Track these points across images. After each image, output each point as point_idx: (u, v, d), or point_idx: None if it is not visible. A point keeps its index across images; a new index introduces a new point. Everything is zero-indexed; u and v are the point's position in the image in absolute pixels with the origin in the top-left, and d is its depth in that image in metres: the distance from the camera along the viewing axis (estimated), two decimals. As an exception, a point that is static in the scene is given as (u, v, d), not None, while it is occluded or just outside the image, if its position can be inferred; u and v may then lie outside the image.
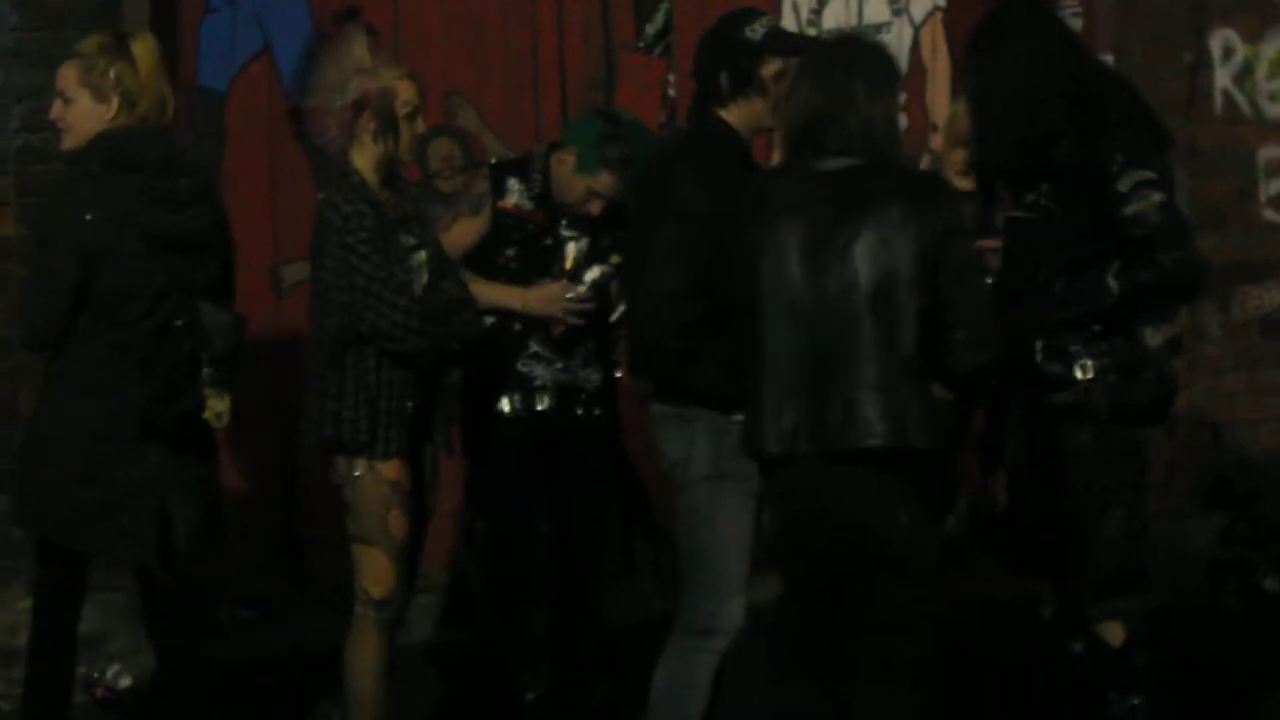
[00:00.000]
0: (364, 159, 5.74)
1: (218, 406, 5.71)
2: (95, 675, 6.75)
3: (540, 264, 6.35)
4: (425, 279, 5.75)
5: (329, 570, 7.37)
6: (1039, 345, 5.37)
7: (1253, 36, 8.32)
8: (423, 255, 5.77)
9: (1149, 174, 5.28)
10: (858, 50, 5.15)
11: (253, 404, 7.68)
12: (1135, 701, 5.41)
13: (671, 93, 8.23)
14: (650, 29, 8.30)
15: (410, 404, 5.75)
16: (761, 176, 5.15)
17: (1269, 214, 8.39)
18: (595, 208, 6.28)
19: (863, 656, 4.99)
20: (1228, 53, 8.23)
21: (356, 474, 5.71)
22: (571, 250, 6.33)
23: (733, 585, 5.49)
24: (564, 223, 6.36)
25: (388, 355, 5.66)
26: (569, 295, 6.24)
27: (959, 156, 6.32)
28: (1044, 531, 5.51)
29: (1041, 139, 5.35)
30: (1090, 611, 5.44)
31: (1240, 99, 8.31)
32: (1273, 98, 8.39)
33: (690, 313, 5.28)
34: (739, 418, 5.35)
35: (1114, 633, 5.41)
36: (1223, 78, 8.32)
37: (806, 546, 5.03)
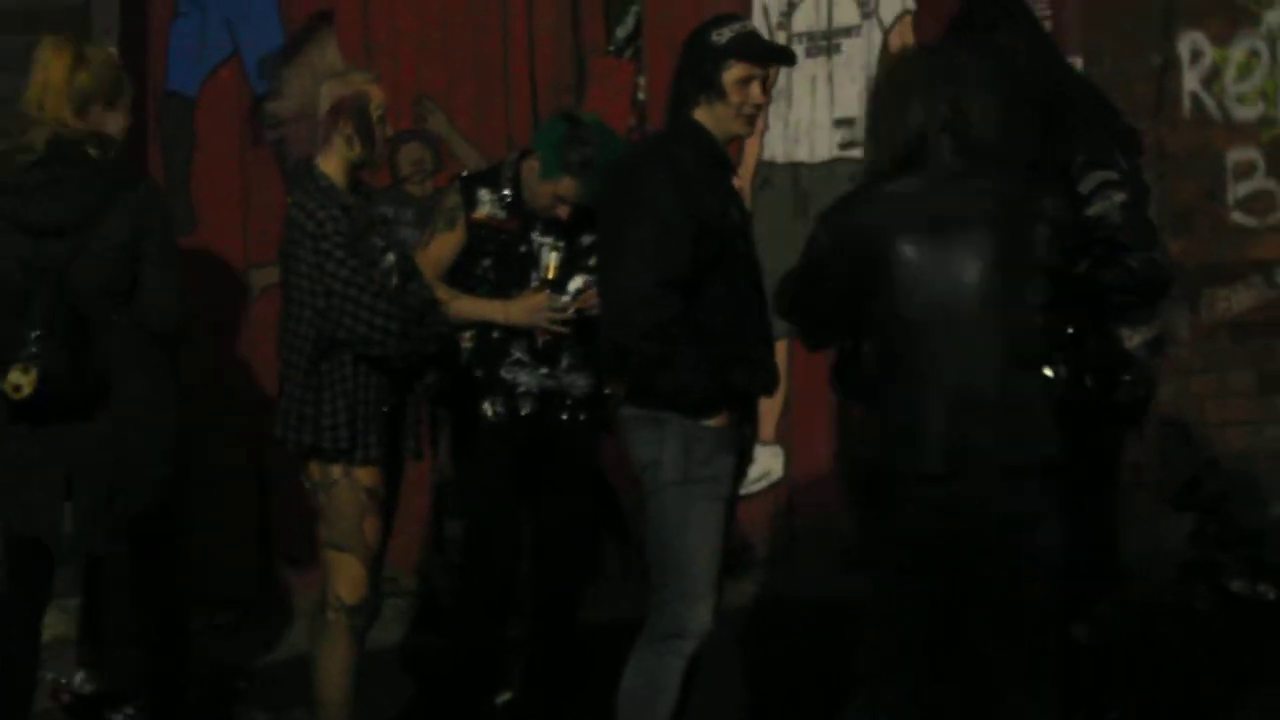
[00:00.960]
0: (333, 163, 5.74)
1: (17, 379, 5.49)
2: (62, 680, 6.72)
3: (517, 272, 6.34)
4: (396, 280, 5.75)
5: (300, 575, 7.40)
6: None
7: (1221, 40, 8.33)
8: (391, 258, 5.78)
9: (1111, 174, 5.29)
10: (959, 57, 4.96)
11: (223, 406, 7.71)
12: (1103, 701, 5.43)
13: (641, 96, 8.22)
14: (620, 32, 8.30)
15: (388, 408, 5.75)
16: (878, 193, 4.82)
17: (1238, 216, 8.40)
18: (563, 212, 6.27)
19: (1008, 671, 4.84)
20: (1196, 55, 8.24)
21: (333, 480, 5.71)
22: (552, 259, 6.31)
23: (701, 589, 5.48)
24: (538, 229, 6.35)
25: (364, 360, 5.66)
26: (552, 306, 6.23)
27: None
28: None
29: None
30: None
31: (1209, 102, 8.32)
32: (1241, 100, 8.40)
33: (660, 315, 5.28)
34: (709, 423, 5.37)
35: (1081, 632, 5.42)
36: (1191, 80, 8.33)
37: (958, 561, 4.75)
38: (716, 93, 5.48)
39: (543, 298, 6.25)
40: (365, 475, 5.71)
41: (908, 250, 4.69)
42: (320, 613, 5.83)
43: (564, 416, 6.41)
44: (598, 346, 6.16)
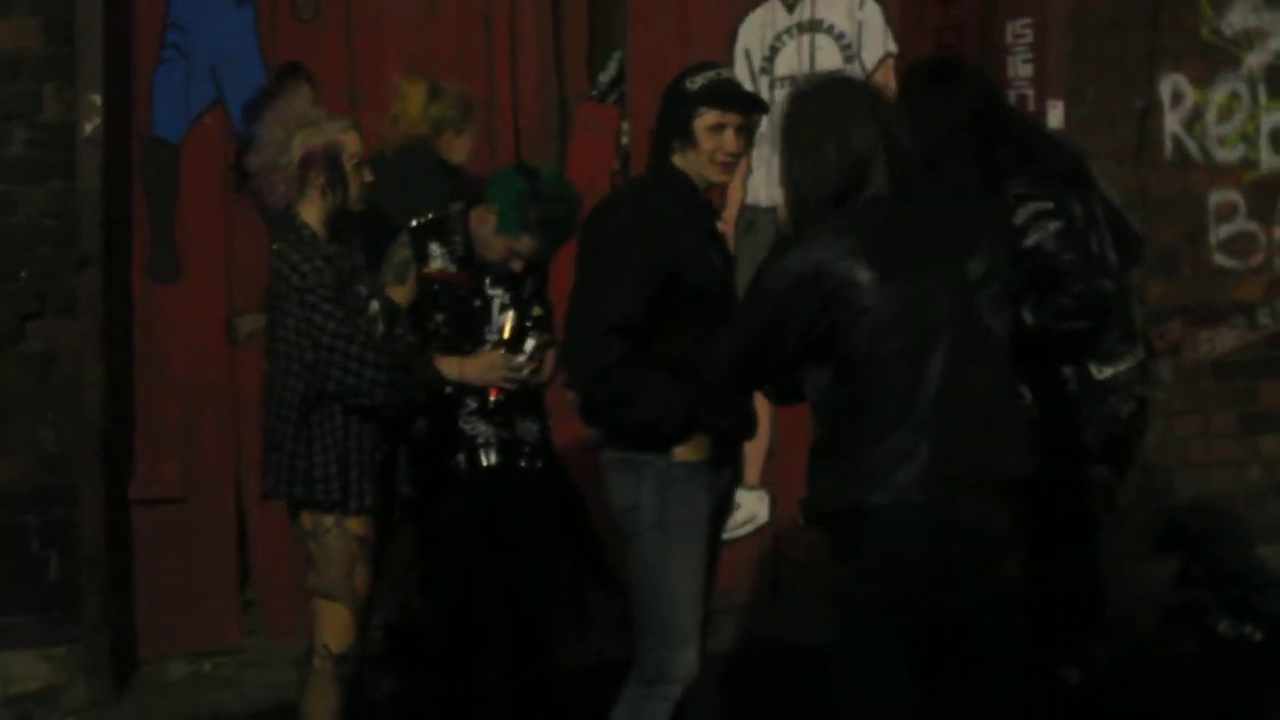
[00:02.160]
0: (312, 213, 5.72)
1: None
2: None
3: (470, 326, 6.32)
4: (382, 327, 5.75)
5: (284, 623, 7.39)
6: None
7: (1202, 82, 8.38)
8: (375, 305, 5.78)
9: (1045, 205, 5.32)
10: (866, 90, 4.96)
11: (208, 452, 7.71)
12: None
13: (625, 140, 8.25)
14: (603, 78, 8.33)
15: (379, 457, 5.75)
16: (826, 235, 4.72)
17: (1219, 258, 8.45)
18: (517, 266, 6.26)
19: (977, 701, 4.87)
20: (1177, 98, 8.28)
21: (325, 528, 5.70)
22: (509, 319, 6.28)
23: (685, 634, 5.48)
24: (488, 280, 6.33)
25: (355, 410, 5.66)
26: (509, 366, 6.22)
27: None
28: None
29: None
30: (1048, 653, 5.45)
31: (1190, 144, 8.37)
32: (1222, 142, 8.44)
33: (607, 358, 5.29)
34: (684, 454, 5.36)
35: (1072, 675, 5.42)
36: (1173, 123, 8.37)
37: (931, 593, 4.73)
38: (689, 140, 5.50)
39: (498, 357, 6.22)
40: (357, 524, 5.70)
41: (875, 280, 4.62)
42: (307, 660, 5.81)
43: (523, 463, 6.39)
44: (543, 394, 6.22)
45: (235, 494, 7.75)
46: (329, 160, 5.69)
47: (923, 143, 4.81)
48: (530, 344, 6.23)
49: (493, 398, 6.23)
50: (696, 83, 5.53)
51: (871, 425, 4.69)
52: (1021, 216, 5.29)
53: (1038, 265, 5.26)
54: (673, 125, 5.53)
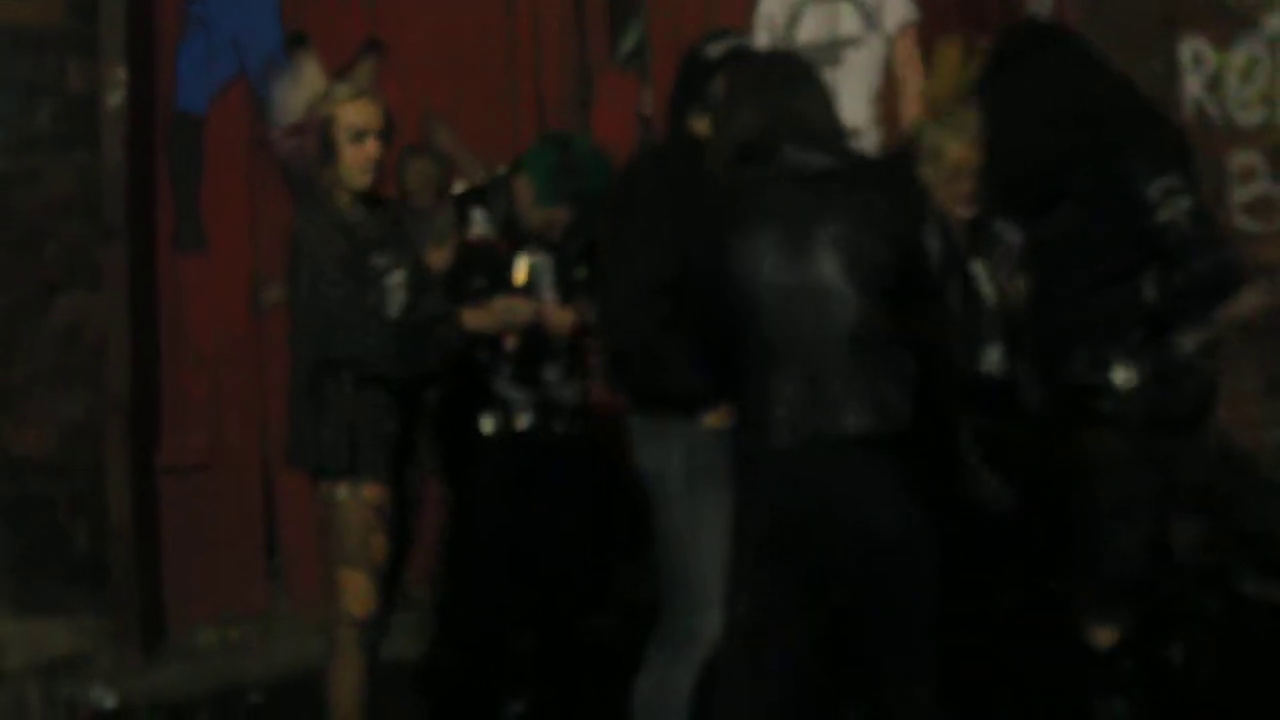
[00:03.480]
0: (332, 180, 5.76)
1: None
2: (80, 697, 6.74)
3: (506, 289, 6.37)
4: (404, 298, 5.77)
5: (311, 591, 7.41)
6: (1082, 355, 5.37)
7: (1222, 44, 8.33)
8: (400, 275, 5.77)
9: (1174, 181, 5.28)
10: (786, 60, 5.31)
11: (234, 421, 7.74)
12: (1119, 706, 5.43)
13: (647, 109, 8.25)
14: (625, 46, 8.33)
15: (391, 426, 5.77)
16: (723, 189, 5.07)
17: (1241, 220, 8.39)
18: (555, 234, 6.30)
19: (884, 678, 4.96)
20: (1198, 61, 8.24)
21: (339, 497, 5.72)
22: (522, 264, 6.33)
23: (712, 597, 5.46)
24: (531, 247, 6.38)
25: (365, 379, 5.69)
26: (511, 308, 6.25)
27: (962, 188, 6.16)
28: (1055, 534, 5.53)
29: (1062, 159, 5.39)
30: (1087, 615, 5.45)
31: (1211, 107, 8.32)
32: (1243, 105, 8.40)
33: (650, 318, 5.29)
34: (713, 422, 5.39)
35: (1105, 636, 5.42)
36: (1193, 86, 8.32)
37: (798, 542, 4.91)
38: (709, 105, 5.51)
39: (502, 300, 6.27)
40: (370, 493, 5.72)
41: (750, 237, 4.86)
42: (330, 629, 5.84)
43: (560, 429, 6.43)
44: (584, 358, 6.23)
45: (262, 462, 7.79)
46: (321, 131, 5.71)
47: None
48: (549, 295, 6.27)
49: (509, 347, 6.25)
50: (716, 50, 5.54)
51: (745, 380, 4.95)
52: (1154, 192, 5.27)
53: (1168, 242, 5.25)
54: (689, 92, 5.53)
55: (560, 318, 6.32)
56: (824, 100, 5.07)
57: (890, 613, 4.90)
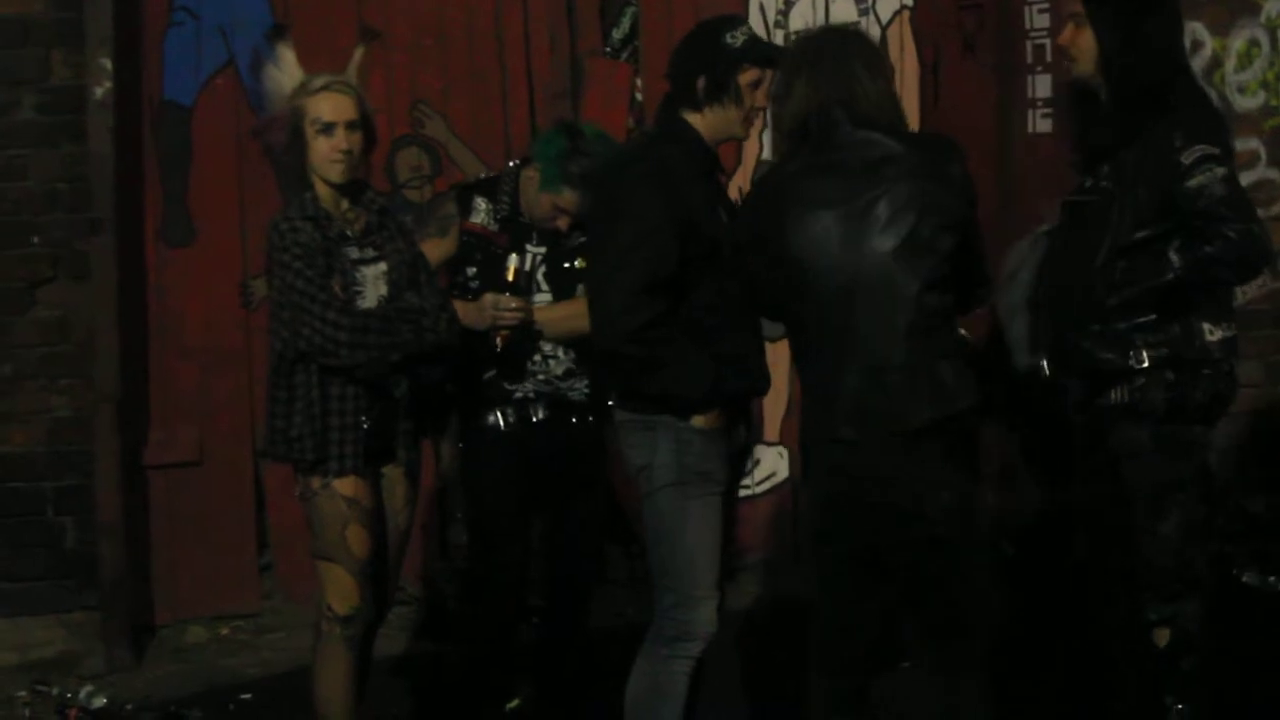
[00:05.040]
0: (313, 174, 5.71)
1: None
2: (69, 696, 6.70)
3: (496, 281, 6.30)
4: (384, 290, 5.70)
5: (302, 587, 7.36)
6: (1093, 330, 5.30)
7: (1221, 29, 8.28)
8: (382, 266, 5.72)
9: (1213, 149, 5.19)
10: (844, 36, 5.20)
11: (223, 417, 7.69)
12: (1180, 706, 5.36)
13: (639, 97, 8.19)
14: (616, 34, 8.27)
15: (366, 419, 5.71)
16: (780, 172, 5.06)
17: (1262, 213, 8.34)
18: (562, 224, 6.25)
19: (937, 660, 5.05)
20: (1196, 46, 8.16)
21: (313, 490, 5.68)
22: (513, 262, 6.28)
23: (704, 590, 5.45)
24: (534, 240, 6.32)
25: (332, 372, 5.63)
26: (497, 305, 6.19)
27: None
28: (1095, 527, 5.48)
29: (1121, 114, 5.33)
30: (1146, 613, 5.39)
31: (1210, 92, 8.22)
32: (1242, 90, 8.34)
33: (642, 318, 5.23)
34: (701, 423, 5.34)
35: (1161, 636, 5.36)
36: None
37: (860, 528, 4.96)
38: (732, 96, 5.45)
39: (489, 297, 6.21)
40: (344, 485, 5.66)
41: (807, 222, 4.87)
42: (316, 625, 5.79)
43: (573, 420, 6.39)
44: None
45: (251, 458, 7.75)
46: (290, 125, 5.66)
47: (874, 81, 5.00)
48: (541, 298, 6.22)
49: (499, 343, 6.20)
50: (738, 39, 5.47)
51: (805, 365, 5.03)
52: (1189, 157, 5.19)
53: (1198, 208, 5.18)
54: (712, 82, 5.45)
55: (548, 316, 6.25)
56: (883, 79, 5.05)
57: (943, 591, 4.96)
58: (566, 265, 6.34)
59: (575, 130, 6.31)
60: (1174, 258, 5.19)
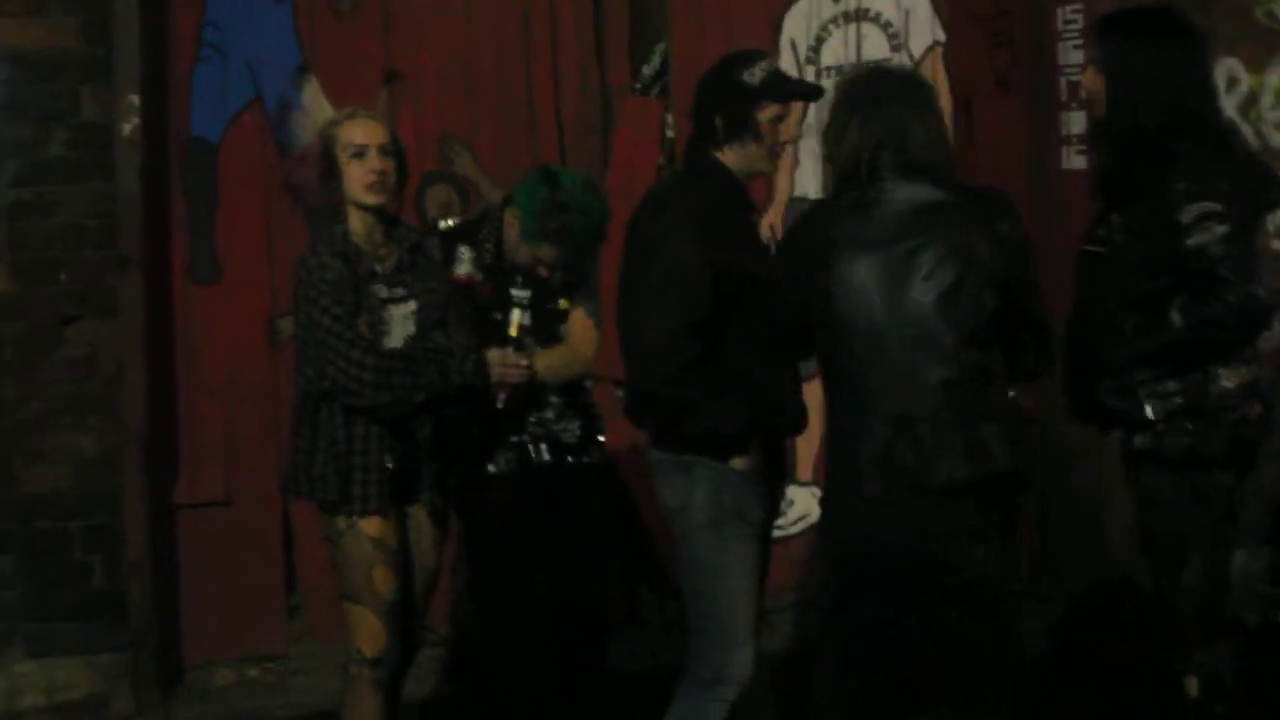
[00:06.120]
0: (344, 209, 5.70)
1: None
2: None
3: (489, 336, 6.21)
4: (411, 330, 5.66)
5: (330, 628, 7.30)
6: (1106, 383, 5.26)
7: (1257, 65, 8.22)
8: (411, 306, 5.68)
9: (1214, 206, 5.10)
10: (901, 79, 5.16)
11: (251, 455, 7.65)
12: None
13: (670, 133, 8.16)
14: (646, 70, 8.24)
15: (390, 459, 5.65)
16: (823, 212, 5.09)
17: (1278, 245, 8.28)
18: (543, 271, 6.21)
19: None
20: (1232, 82, 8.13)
21: (339, 530, 5.65)
22: (516, 317, 6.24)
23: (740, 635, 5.41)
24: (518, 282, 6.27)
25: (356, 411, 5.58)
26: (504, 361, 6.12)
27: None
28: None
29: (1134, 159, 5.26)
30: (1173, 663, 5.33)
31: (1245, 128, 8.19)
32: (1278, 126, 8.30)
33: (679, 360, 5.19)
34: (738, 465, 5.28)
35: (1191, 685, 5.30)
36: (1227, 107, 8.19)
37: (878, 594, 4.90)
38: (751, 133, 5.42)
39: (497, 354, 6.13)
40: (369, 526, 5.64)
41: (847, 263, 4.84)
42: (345, 667, 5.75)
43: (570, 460, 6.33)
44: (583, 392, 6.14)
45: (280, 497, 7.69)
46: (324, 152, 5.67)
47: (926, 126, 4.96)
48: (515, 313, 6.18)
49: (501, 397, 6.12)
50: (755, 76, 5.45)
51: (834, 414, 4.99)
52: (1187, 216, 5.11)
53: (1196, 268, 5.10)
54: (730, 119, 5.42)
55: (548, 365, 6.20)
56: (932, 124, 5.00)
57: (965, 656, 4.89)
58: (550, 306, 6.29)
59: (556, 181, 6.20)
60: (1175, 317, 5.13)
